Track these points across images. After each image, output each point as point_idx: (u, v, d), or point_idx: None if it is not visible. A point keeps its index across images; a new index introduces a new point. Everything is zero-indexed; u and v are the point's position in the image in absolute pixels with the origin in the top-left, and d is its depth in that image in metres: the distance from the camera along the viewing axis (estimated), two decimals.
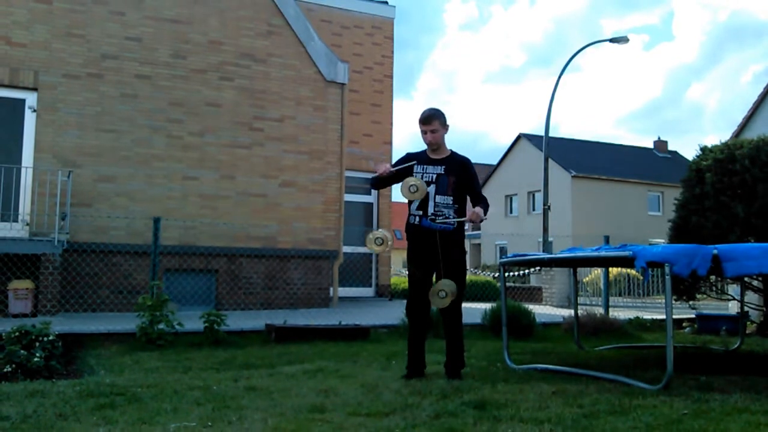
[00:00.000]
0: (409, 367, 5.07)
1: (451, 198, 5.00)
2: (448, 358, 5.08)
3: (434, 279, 5.05)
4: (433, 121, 5.04)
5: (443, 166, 5.04)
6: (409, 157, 5.18)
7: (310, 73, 12.20)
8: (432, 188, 4.99)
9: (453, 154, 5.15)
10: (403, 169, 5.08)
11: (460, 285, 4.99)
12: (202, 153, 11.30)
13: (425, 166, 5.06)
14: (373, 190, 15.23)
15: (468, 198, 5.14)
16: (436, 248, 4.90)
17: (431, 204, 4.98)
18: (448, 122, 5.13)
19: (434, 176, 5.01)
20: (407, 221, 5.13)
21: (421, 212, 5.01)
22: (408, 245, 5.12)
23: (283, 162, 11.86)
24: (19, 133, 10.26)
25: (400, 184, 5.05)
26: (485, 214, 5.00)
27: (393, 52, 15.87)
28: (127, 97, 10.91)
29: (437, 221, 4.96)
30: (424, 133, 5.07)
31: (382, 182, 5.21)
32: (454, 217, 4.99)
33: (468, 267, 34.27)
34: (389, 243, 4.97)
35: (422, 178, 4.99)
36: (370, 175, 14.25)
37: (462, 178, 5.05)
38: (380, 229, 5.04)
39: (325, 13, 14.89)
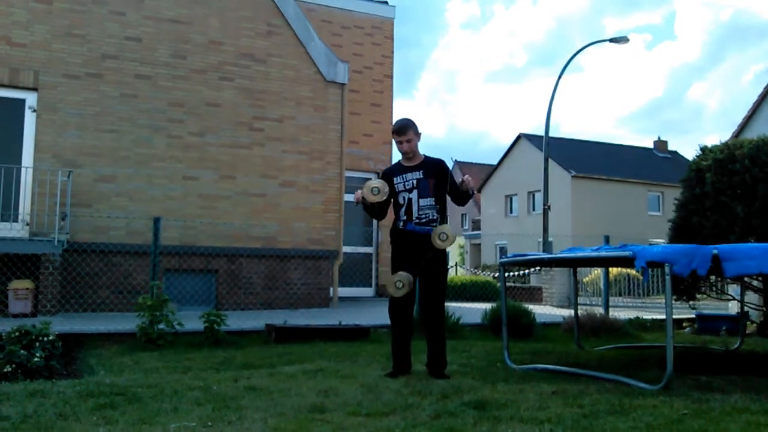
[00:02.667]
0: (394, 366, 5.18)
1: (433, 199, 5.16)
2: (430, 357, 5.18)
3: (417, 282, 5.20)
4: (407, 131, 5.22)
5: (421, 170, 5.22)
6: (385, 174, 5.40)
7: (310, 73, 12.20)
8: (414, 193, 5.17)
9: (427, 158, 5.33)
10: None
11: (441, 285, 5.19)
12: (202, 153, 11.29)
13: (404, 175, 5.24)
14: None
15: (449, 198, 5.30)
16: (420, 251, 5.05)
17: (415, 208, 5.16)
18: (419, 131, 5.32)
19: (414, 181, 5.20)
20: (393, 226, 5.28)
21: (405, 217, 5.17)
22: (393, 248, 5.29)
23: (283, 162, 11.85)
24: (19, 133, 10.25)
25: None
26: (465, 203, 5.31)
27: (393, 51, 15.86)
28: (127, 97, 10.90)
29: (421, 223, 5.11)
30: (399, 143, 5.25)
31: (371, 210, 5.29)
32: (436, 218, 5.14)
33: (468, 267, 34.26)
34: (385, 192, 5.11)
35: (404, 186, 5.20)
36: (370, 175, 14.38)
37: (441, 179, 5.21)
38: (377, 179, 5.25)
39: (325, 13, 14.88)
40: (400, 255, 5.17)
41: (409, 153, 5.25)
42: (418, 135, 5.27)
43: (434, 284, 5.15)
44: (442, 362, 5.15)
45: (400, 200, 5.21)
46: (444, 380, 4.87)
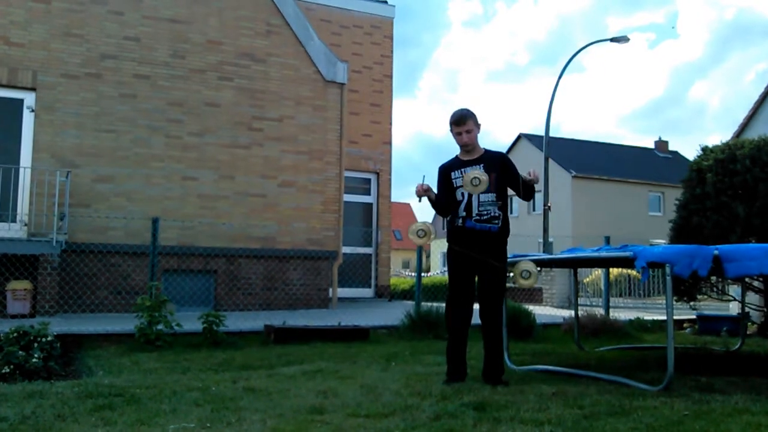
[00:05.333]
0: (449, 372, 4.93)
1: (494, 195, 4.87)
2: (487, 363, 4.92)
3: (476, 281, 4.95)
4: (467, 120, 4.91)
5: (482, 165, 4.88)
6: (442, 168, 5.06)
7: (310, 72, 12.18)
8: None
9: (487, 151, 5.02)
10: (444, 184, 4.98)
11: (501, 288, 4.93)
12: (201, 153, 11.28)
13: (463, 169, 4.90)
14: (372, 191, 15.21)
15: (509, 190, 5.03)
16: (480, 249, 4.82)
17: (475, 204, 4.85)
18: (479, 121, 5.00)
19: None
20: (450, 224, 4.99)
21: (465, 213, 4.87)
22: (450, 247, 4.99)
23: (283, 162, 11.84)
24: (18, 133, 10.24)
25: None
26: (531, 197, 5.09)
27: (392, 51, 15.85)
28: (126, 97, 10.88)
29: (482, 220, 4.84)
30: (458, 134, 4.92)
31: (436, 205, 5.02)
32: (498, 215, 4.87)
33: None
34: (431, 235, 4.88)
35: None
36: (368, 176, 14.28)
37: (504, 173, 4.94)
38: (422, 221, 4.96)
39: (324, 13, 14.87)
40: (460, 254, 4.89)
41: (469, 145, 4.93)
42: (478, 126, 4.95)
43: (494, 283, 4.84)
44: (499, 367, 4.91)
45: (458, 196, 4.89)
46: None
